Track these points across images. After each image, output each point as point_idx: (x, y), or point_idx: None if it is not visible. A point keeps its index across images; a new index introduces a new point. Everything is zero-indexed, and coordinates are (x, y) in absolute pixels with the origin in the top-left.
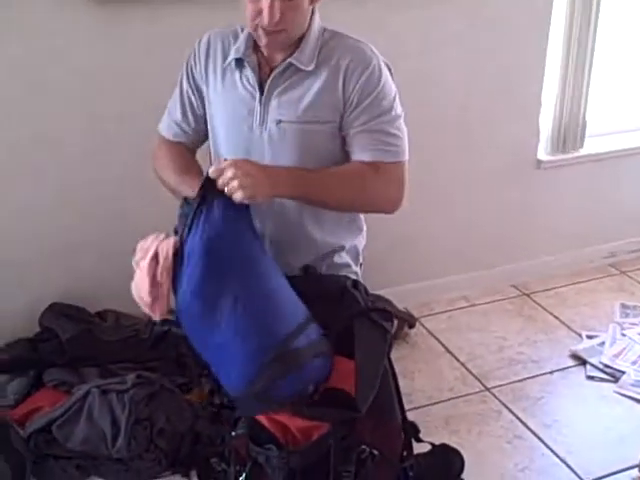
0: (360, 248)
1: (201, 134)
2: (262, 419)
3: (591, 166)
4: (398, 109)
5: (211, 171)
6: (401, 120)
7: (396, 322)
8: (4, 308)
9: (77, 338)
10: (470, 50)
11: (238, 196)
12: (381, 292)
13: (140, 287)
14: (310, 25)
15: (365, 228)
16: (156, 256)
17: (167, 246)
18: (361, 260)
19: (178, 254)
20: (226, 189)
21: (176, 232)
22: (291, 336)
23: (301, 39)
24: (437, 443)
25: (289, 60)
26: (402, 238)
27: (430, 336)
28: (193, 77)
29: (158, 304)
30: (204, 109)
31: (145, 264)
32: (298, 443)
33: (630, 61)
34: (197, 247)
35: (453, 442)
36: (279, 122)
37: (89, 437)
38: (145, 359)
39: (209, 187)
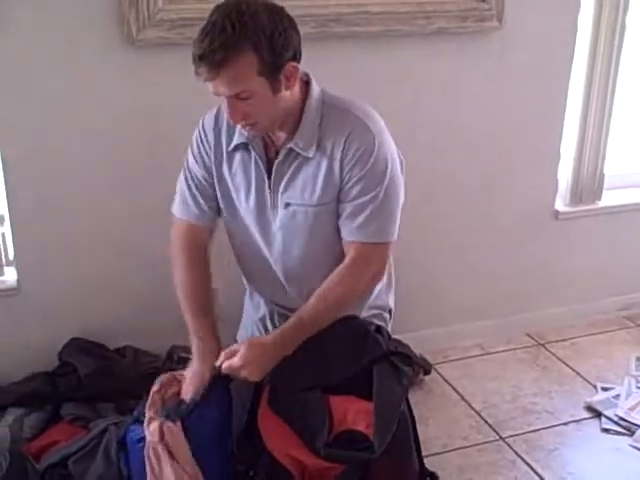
0: (387, 293)
1: (214, 213)
2: (281, 457)
3: (608, 218)
4: (393, 186)
5: (224, 367)
6: (397, 197)
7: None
8: (24, 341)
9: (95, 374)
10: (489, 101)
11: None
12: (398, 337)
13: None
14: (306, 101)
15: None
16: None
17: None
18: (391, 305)
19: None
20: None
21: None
22: None
23: (300, 116)
24: None
25: (289, 146)
26: (419, 285)
27: (445, 383)
28: (201, 158)
29: None
30: (214, 189)
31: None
32: None
33: None
34: None
35: None
36: (288, 205)
37: (104, 476)
38: None
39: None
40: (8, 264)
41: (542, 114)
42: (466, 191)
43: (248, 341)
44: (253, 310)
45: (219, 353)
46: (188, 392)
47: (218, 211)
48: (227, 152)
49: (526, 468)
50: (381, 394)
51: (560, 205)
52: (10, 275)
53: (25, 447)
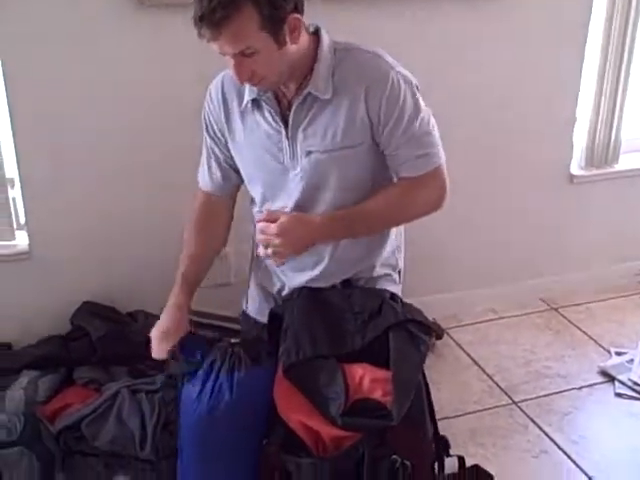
0: (397, 254)
1: (230, 184)
2: (295, 426)
3: (625, 182)
4: (424, 113)
5: (259, 227)
6: (429, 122)
7: None
8: (37, 306)
9: (108, 337)
10: (505, 65)
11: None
12: (409, 301)
13: None
14: (318, 51)
15: (402, 229)
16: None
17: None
18: (400, 266)
19: None
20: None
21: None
22: None
23: (312, 66)
24: (465, 457)
25: (306, 90)
26: (432, 249)
27: (457, 348)
28: (212, 126)
29: None
30: (231, 156)
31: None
32: (329, 452)
33: None
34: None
35: (478, 455)
36: (309, 153)
37: (117, 437)
38: None
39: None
40: (19, 228)
41: (558, 76)
42: (480, 154)
43: (294, 214)
44: (268, 283)
45: (184, 321)
46: (158, 351)
47: (237, 180)
48: (240, 113)
49: (538, 432)
50: (399, 361)
51: (575, 169)
52: (21, 240)
53: (39, 410)
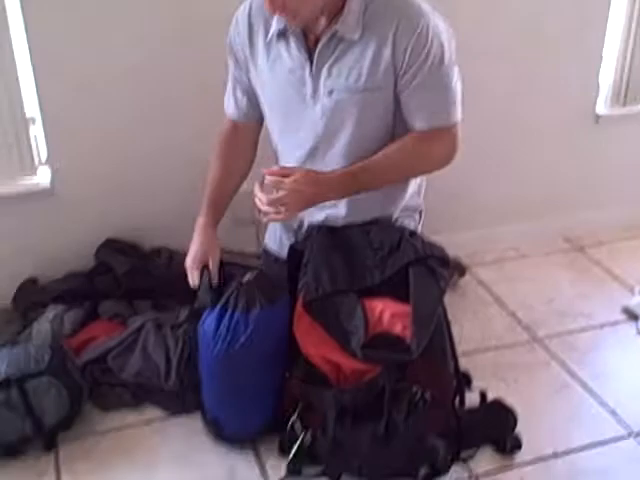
0: (417, 197)
1: (254, 111)
2: (316, 359)
3: None
4: (448, 68)
5: (269, 179)
6: (452, 78)
7: None
8: (61, 242)
9: (132, 272)
10: (529, 1)
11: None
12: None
13: None
14: None
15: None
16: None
17: None
18: (421, 206)
19: None
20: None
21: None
22: None
23: (343, 3)
24: (487, 394)
25: (334, 29)
26: (455, 186)
27: (480, 285)
28: (236, 52)
29: None
30: (252, 85)
31: None
32: (350, 385)
33: None
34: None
35: (500, 390)
36: (331, 92)
37: (143, 370)
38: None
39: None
40: (41, 165)
41: (584, 12)
42: (503, 92)
43: (308, 171)
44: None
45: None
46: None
47: (260, 107)
48: (265, 43)
49: (559, 369)
50: (418, 296)
51: (601, 108)
52: (43, 177)
53: (65, 343)
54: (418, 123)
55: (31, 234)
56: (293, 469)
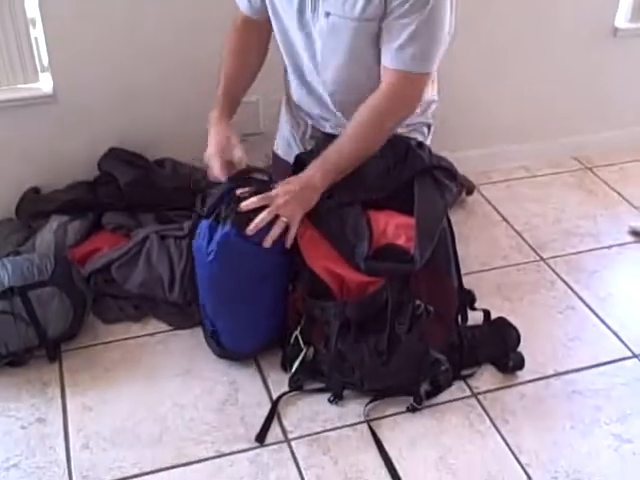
0: (424, 115)
1: (266, 7)
2: (320, 271)
3: None
4: (436, 11)
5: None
6: (438, 25)
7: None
8: (63, 150)
9: (135, 183)
10: None
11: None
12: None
13: None
14: None
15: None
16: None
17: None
18: (430, 121)
19: None
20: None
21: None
22: None
23: None
24: (491, 311)
25: None
26: (465, 103)
27: (487, 204)
28: None
29: None
30: None
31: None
32: (354, 297)
33: None
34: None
35: (505, 309)
36: (328, 15)
37: (147, 281)
38: None
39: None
40: (43, 71)
41: None
42: (516, 5)
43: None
44: (294, 123)
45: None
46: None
47: None
48: None
49: (565, 288)
50: (422, 207)
51: (620, 21)
52: (45, 82)
53: (69, 252)
54: (389, 62)
55: (33, 142)
56: (295, 384)
